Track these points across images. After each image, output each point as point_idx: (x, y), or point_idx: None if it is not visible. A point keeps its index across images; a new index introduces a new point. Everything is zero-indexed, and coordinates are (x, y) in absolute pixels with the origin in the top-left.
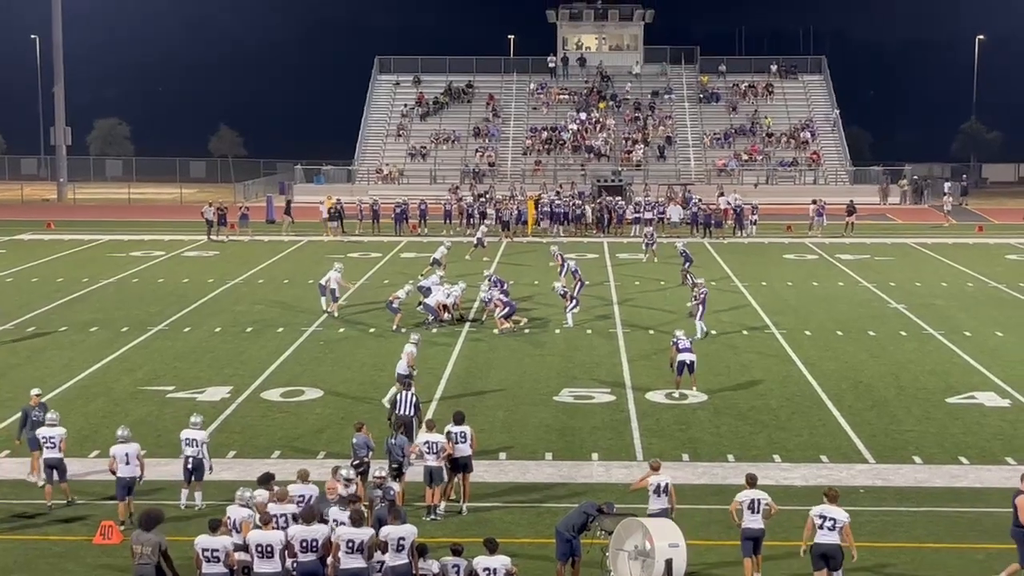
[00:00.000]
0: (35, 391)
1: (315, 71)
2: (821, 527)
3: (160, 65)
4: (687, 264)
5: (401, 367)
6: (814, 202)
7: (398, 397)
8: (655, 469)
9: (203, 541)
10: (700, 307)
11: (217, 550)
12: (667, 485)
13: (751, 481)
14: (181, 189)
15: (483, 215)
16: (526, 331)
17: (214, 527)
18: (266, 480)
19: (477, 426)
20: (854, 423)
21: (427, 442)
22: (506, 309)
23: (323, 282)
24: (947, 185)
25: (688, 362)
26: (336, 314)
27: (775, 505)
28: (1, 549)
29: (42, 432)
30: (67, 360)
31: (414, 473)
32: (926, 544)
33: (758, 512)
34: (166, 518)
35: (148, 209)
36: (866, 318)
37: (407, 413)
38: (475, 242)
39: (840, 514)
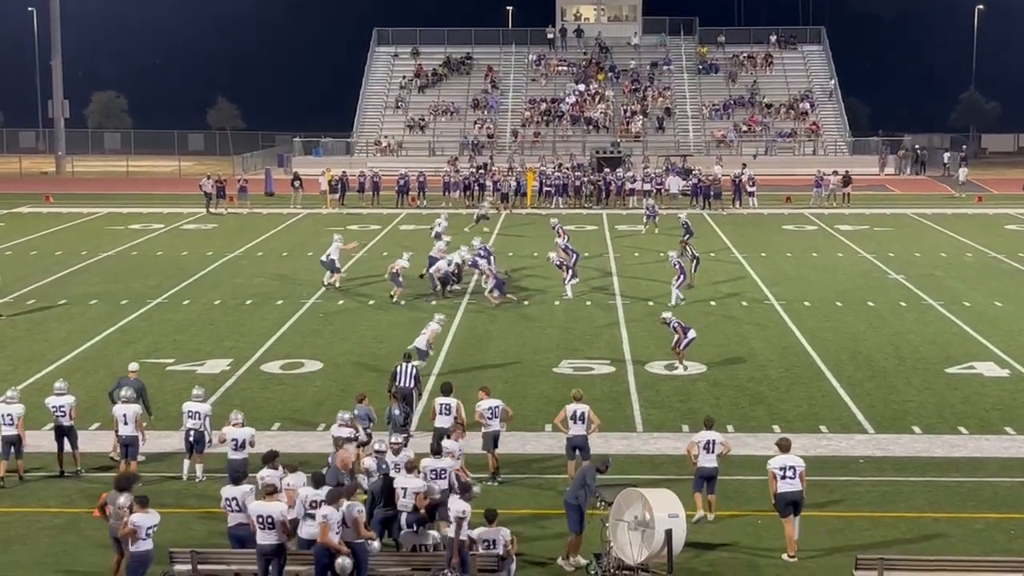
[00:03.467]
0: (133, 366)
1: (313, 43)
2: (784, 477)
3: (157, 38)
4: (688, 236)
5: (420, 342)
6: (835, 172)
7: (398, 369)
8: (577, 399)
9: (257, 507)
10: (681, 276)
11: (271, 516)
12: (584, 413)
13: (708, 423)
14: (179, 162)
15: (482, 187)
16: (525, 303)
17: (270, 492)
18: (271, 458)
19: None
20: (853, 393)
21: (489, 407)
22: (492, 281)
23: (324, 258)
24: (946, 155)
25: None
26: (338, 285)
27: (729, 444)
28: (2, 522)
29: (51, 401)
30: (67, 333)
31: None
32: (925, 513)
33: (712, 452)
34: (169, 491)
35: (147, 182)
36: (865, 289)
37: (407, 385)
38: (475, 218)
39: (798, 461)
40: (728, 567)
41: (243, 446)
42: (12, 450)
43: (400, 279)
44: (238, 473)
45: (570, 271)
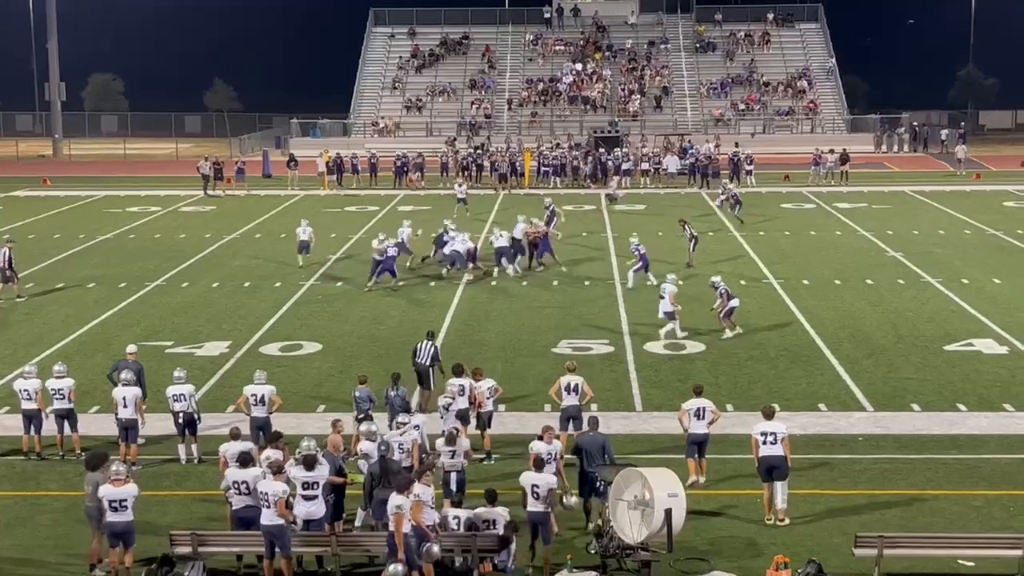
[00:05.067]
0: (131, 348)
1: (309, 24)
2: (764, 443)
3: (153, 19)
4: (737, 207)
5: (665, 306)
6: (831, 151)
7: (418, 346)
8: (571, 370)
9: (264, 485)
10: (640, 262)
11: (266, 493)
12: (578, 384)
13: (698, 391)
14: (177, 144)
15: (479, 167)
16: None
17: (276, 471)
18: (275, 439)
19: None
20: (852, 372)
21: (488, 387)
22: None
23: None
24: (944, 132)
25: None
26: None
27: (718, 412)
28: (3, 505)
29: (50, 384)
30: (65, 316)
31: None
32: (924, 491)
33: (703, 419)
34: (168, 473)
35: (144, 164)
36: (864, 267)
37: (424, 362)
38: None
39: (779, 427)
40: (727, 545)
41: (262, 401)
42: (65, 424)
43: (407, 247)
44: (261, 430)
45: (517, 256)
